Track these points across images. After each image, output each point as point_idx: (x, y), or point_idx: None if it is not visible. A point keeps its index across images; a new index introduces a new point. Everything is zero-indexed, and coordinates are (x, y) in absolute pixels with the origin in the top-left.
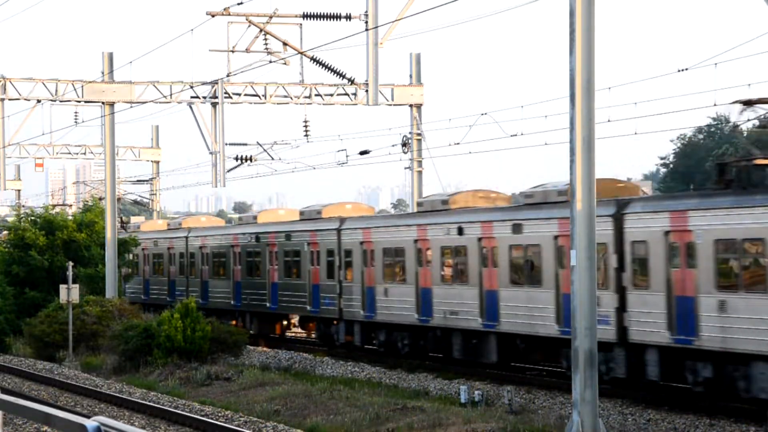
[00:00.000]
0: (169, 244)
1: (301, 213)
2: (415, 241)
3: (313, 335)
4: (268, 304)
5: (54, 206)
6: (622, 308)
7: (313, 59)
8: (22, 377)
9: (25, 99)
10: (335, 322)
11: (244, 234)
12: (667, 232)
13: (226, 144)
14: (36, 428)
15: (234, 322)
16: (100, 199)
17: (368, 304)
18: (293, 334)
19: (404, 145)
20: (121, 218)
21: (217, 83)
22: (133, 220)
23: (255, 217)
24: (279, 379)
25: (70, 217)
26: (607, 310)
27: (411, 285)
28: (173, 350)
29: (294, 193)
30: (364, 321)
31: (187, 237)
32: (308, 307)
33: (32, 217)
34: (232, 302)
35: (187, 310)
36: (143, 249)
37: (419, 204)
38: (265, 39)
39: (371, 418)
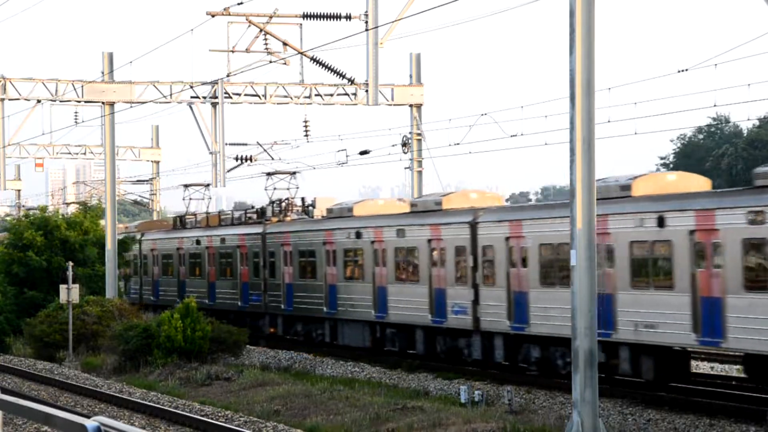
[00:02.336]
0: (430, 233)
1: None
2: None
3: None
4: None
5: (40, 208)
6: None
7: (313, 59)
8: (22, 377)
9: (25, 99)
10: None
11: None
12: (372, 242)
13: (226, 144)
14: (36, 428)
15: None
16: (99, 199)
17: None
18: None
19: (404, 145)
20: (302, 201)
21: (217, 83)
22: (317, 201)
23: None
24: (279, 379)
25: (63, 216)
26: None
27: None
28: (173, 350)
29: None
30: None
31: (473, 223)
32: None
33: (29, 218)
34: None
35: (188, 310)
36: (372, 243)
37: None
38: (265, 39)
39: (371, 418)
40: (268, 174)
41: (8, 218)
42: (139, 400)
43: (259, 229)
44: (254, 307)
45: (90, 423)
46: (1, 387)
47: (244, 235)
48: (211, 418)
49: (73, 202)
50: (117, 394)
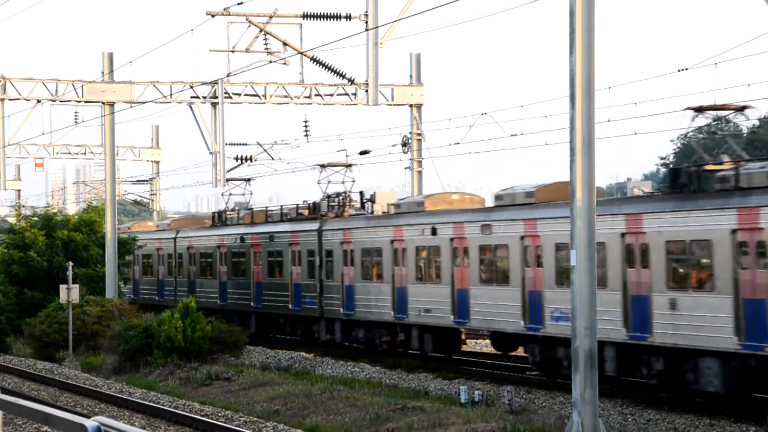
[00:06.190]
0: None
1: None
2: None
3: None
4: None
5: (49, 207)
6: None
7: (313, 59)
8: (22, 377)
9: (25, 99)
10: None
11: None
12: (252, 245)
13: (226, 144)
14: (36, 428)
15: None
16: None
17: None
18: None
19: (404, 145)
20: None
21: (217, 83)
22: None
23: None
24: (279, 379)
25: (71, 215)
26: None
27: None
28: (173, 350)
29: (294, 193)
30: None
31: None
32: None
33: (33, 218)
34: None
35: (188, 310)
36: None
37: None
38: (265, 39)
39: (371, 418)
40: (322, 166)
41: (10, 219)
42: (139, 400)
43: None
44: None
45: (90, 423)
46: (1, 387)
47: None
48: (211, 418)
49: (90, 202)
50: (117, 394)
